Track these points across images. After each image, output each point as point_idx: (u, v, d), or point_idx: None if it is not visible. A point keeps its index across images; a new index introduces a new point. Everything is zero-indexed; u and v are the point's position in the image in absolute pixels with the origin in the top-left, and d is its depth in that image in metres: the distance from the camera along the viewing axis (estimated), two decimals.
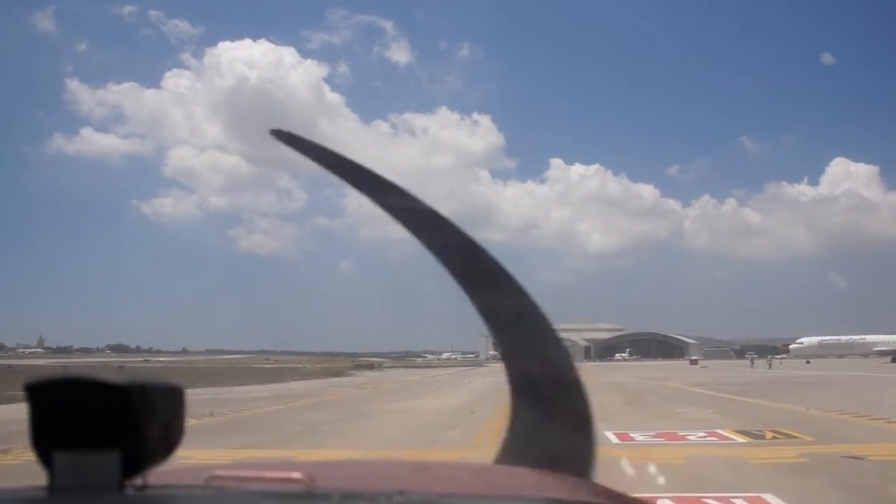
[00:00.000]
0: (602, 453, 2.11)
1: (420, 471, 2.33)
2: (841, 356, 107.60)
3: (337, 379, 64.65)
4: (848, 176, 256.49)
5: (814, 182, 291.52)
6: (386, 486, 1.21)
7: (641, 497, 1.82)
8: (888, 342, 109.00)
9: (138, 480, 1.14)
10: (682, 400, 30.05)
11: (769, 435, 16.87)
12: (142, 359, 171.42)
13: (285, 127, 2.49)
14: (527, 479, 2.06)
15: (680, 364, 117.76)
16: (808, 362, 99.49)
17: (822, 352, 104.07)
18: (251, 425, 22.85)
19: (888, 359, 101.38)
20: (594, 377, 60.39)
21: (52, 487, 1.12)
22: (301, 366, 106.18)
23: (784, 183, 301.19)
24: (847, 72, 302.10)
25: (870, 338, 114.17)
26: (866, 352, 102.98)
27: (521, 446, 2.29)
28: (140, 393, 1.11)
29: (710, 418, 21.26)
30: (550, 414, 2.25)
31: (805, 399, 27.51)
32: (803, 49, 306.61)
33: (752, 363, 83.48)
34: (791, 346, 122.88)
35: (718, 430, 17.90)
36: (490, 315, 2.37)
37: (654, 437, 17.13)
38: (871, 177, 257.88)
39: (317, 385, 50.89)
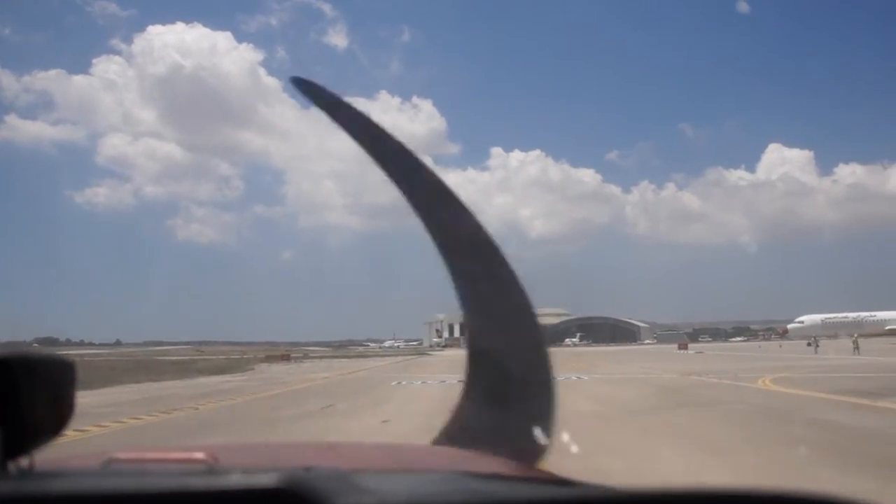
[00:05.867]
0: None
1: (327, 451, 2.29)
2: (831, 336, 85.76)
3: (206, 380, 40.44)
4: (783, 161, 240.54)
5: (751, 168, 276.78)
6: (292, 465, 1.12)
7: (548, 471, 1.70)
8: None
9: (24, 461, 1.01)
10: None
11: None
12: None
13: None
14: (435, 455, 2.10)
15: (654, 349, 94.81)
16: (809, 344, 78.27)
17: (827, 331, 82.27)
18: None
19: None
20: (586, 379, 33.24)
21: None
22: (214, 357, 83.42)
23: (721, 168, 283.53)
24: (780, 57, 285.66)
25: (881, 314, 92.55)
26: (877, 330, 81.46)
27: (466, 431, 2.17)
28: (24, 366, 1.00)
29: None
30: (509, 404, 2.12)
31: None
32: (739, 37, 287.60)
33: (817, 346, 60.14)
34: (790, 326, 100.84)
35: None
36: (468, 287, 2.21)
37: None
38: (806, 161, 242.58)
39: (130, 396, 27.08)
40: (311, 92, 2.42)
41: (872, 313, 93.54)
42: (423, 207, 2.30)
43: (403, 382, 32.30)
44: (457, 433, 2.19)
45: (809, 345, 77.44)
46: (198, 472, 1.04)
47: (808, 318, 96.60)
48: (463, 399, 2.23)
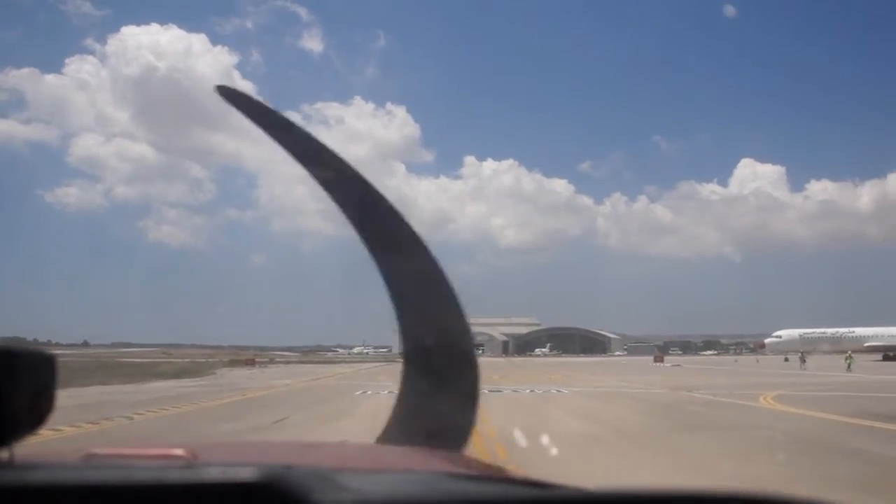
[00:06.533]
0: None
1: (308, 450, 2.37)
2: (806, 352, 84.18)
3: (160, 384, 37.51)
4: (755, 176, 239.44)
5: (723, 182, 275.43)
6: (272, 462, 1.11)
7: (525, 475, 1.58)
8: (881, 336, 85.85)
9: (4, 454, 1.01)
10: None
11: None
12: None
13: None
14: (413, 457, 2.14)
15: (627, 361, 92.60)
16: (786, 359, 76.32)
17: (805, 347, 79.97)
18: None
19: (879, 356, 78.37)
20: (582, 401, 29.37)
21: None
22: (179, 360, 79.89)
23: (693, 182, 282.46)
24: (754, 72, 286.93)
25: (859, 330, 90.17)
26: (856, 346, 79.31)
27: (407, 422, 2.40)
28: (4, 360, 0.99)
29: None
30: (440, 386, 2.35)
31: None
32: (714, 52, 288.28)
33: (803, 362, 57.10)
34: (767, 340, 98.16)
35: None
36: (394, 277, 2.40)
37: None
38: (778, 177, 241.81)
39: (68, 401, 23.19)
40: (237, 100, 2.49)
41: (851, 329, 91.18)
42: (356, 215, 2.39)
43: (369, 392, 29.41)
44: (397, 431, 2.29)
45: (787, 360, 75.48)
46: (176, 468, 1.02)
47: (786, 333, 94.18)
48: (400, 397, 2.36)
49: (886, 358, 77.37)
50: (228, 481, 0.94)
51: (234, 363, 70.84)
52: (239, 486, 0.93)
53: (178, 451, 1.15)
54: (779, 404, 21.64)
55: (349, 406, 23.10)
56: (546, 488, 1.20)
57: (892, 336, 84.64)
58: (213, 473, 0.97)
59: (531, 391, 29.56)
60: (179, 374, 50.93)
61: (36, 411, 1.03)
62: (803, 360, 55.92)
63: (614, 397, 26.02)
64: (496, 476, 1.65)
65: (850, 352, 55.56)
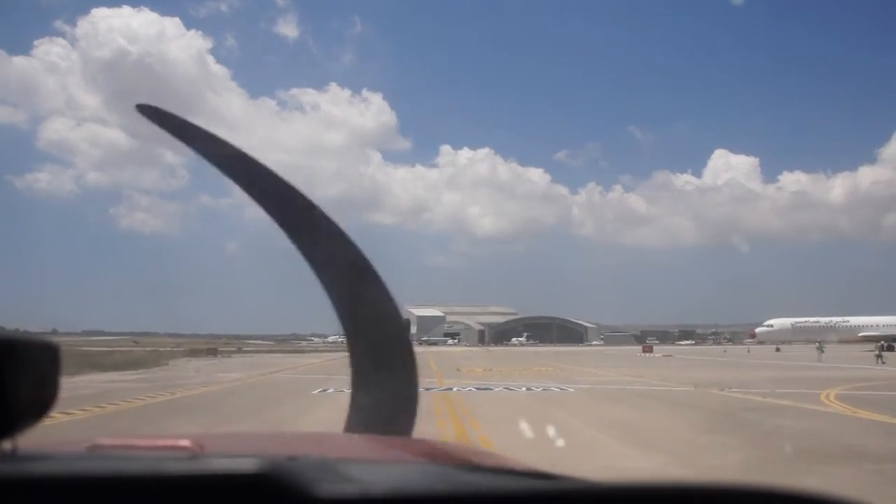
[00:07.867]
0: None
1: (313, 441, 2.43)
2: (787, 342, 79.67)
3: (90, 378, 32.37)
4: (729, 167, 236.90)
5: (697, 172, 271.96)
6: (277, 453, 1.13)
7: (528, 465, 1.55)
8: (877, 325, 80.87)
9: (7, 445, 1.00)
10: None
11: None
12: None
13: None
14: (421, 447, 2.22)
15: (613, 351, 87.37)
16: (778, 349, 71.86)
17: (797, 336, 75.33)
18: None
19: (872, 346, 73.58)
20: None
21: None
22: (139, 350, 75.04)
23: (668, 172, 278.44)
24: (728, 65, 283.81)
25: (854, 319, 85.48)
26: (850, 336, 74.79)
27: (365, 411, 2.54)
28: (7, 349, 0.98)
29: None
30: (382, 371, 2.55)
31: None
32: (689, 43, 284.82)
33: (822, 352, 51.38)
34: (758, 330, 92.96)
35: None
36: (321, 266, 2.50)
37: None
38: (751, 168, 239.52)
39: None
40: (161, 119, 2.38)
41: (845, 318, 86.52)
42: (296, 231, 2.38)
43: (330, 390, 23.44)
44: (355, 421, 2.44)
45: (778, 350, 70.86)
46: (181, 458, 1.01)
47: (778, 322, 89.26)
48: (354, 392, 2.55)
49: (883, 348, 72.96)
50: (231, 472, 0.94)
51: (194, 353, 64.63)
52: (241, 478, 0.93)
53: (184, 442, 1.12)
54: (860, 410, 16.21)
55: (298, 412, 17.35)
56: (553, 479, 1.16)
57: (888, 325, 79.69)
58: (216, 465, 0.96)
59: (527, 389, 24.00)
60: (124, 365, 44.65)
61: (39, 401, 1.00)
62: (821, 351, 50.47)
63: (638, 399, 20.34)
64: (502, 467, 1.60)
65: (882, 342, 50.50)
